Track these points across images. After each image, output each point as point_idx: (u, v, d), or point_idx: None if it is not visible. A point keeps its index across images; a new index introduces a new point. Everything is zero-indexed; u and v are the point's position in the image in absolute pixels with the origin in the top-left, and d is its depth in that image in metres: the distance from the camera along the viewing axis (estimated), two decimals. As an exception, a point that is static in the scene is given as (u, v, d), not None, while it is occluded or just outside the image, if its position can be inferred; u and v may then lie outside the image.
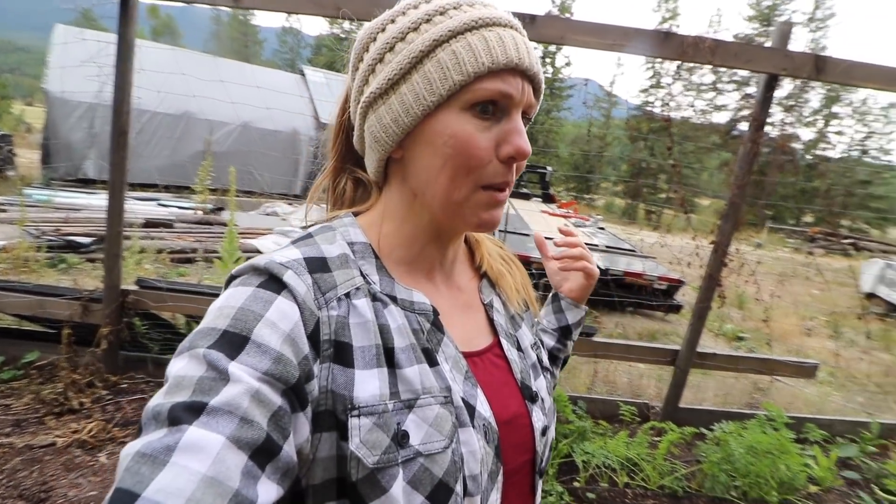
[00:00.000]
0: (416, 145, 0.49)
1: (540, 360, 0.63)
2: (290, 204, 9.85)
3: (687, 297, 5.58)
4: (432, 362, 0.48)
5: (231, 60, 13.22)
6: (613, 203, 22.72)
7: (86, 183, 8.51)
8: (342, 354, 0.43)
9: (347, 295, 0.46)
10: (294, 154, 11.82)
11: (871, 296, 7.13)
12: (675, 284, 5.34)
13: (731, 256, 2.36)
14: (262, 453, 0.35)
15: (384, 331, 0.46)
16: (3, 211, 5.87)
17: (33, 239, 4.77)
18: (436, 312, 0.52)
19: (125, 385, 2.28)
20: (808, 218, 21.96)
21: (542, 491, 1.22)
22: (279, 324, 0.40)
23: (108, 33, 2.35)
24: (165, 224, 6.64)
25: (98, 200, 6.92)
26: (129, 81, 2.06)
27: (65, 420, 2.00)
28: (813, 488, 2.17)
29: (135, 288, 2.39)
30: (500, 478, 0.50)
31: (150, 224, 6.18)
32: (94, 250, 4.98)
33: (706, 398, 3.35)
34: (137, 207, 6.82)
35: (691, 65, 22.55)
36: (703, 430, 2.29)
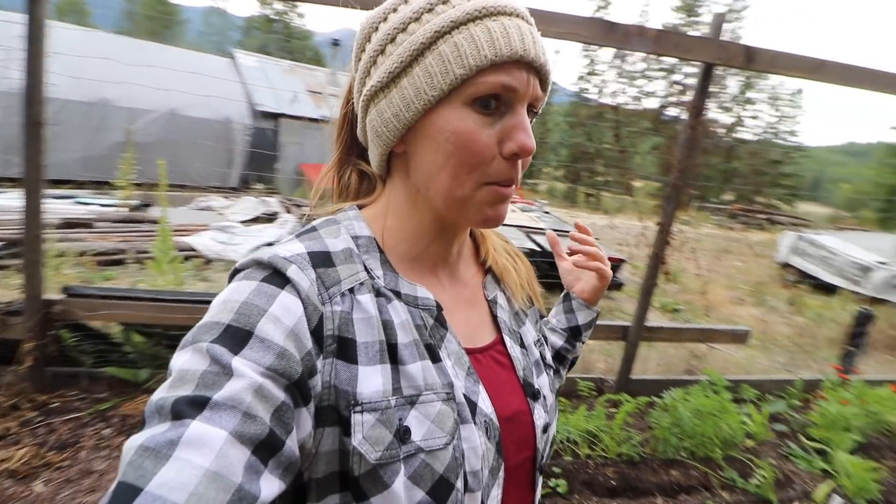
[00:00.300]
0: (417, 140, 0.48)
1: (543, 357, 0.63)
2: (226, 197, 9.32)
3: (628, 275, 5.90)
4: (435, 358, 0.48)
5: (151, 42, 12.17)
6: (555, 187, 23.48)
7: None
8: (345, 350, 0.43)
9: (351, 290, 0.46)
10: (228, 144, 11.15)
11: (786, 265, 7.90)
12: (617, 263, 5.63)
13: (673, 235, 2.51)
14: (265, 448, 0.35)
15: (387, 326, 0.46)
16: None
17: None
18: (439, 308, 0.51)
19: (56, 404, 2.07)
20: (728, 196, 23.86)
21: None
22: (282, 319, 0.40)
23: (4, 12, 2.06)
24: (86, 224, 6.07)
25: (2, 200, 6.17)
26: (41, 66, 1.82)
27: (-12, 448, 1.79)
28: (749, 442, 2.39)
29: (61, 297, 2.16)
30: (501, 474, 0.50)
31: (68, 224, 5.62)
32: (1, 256, 4.45)
33: (650, 368, 3.58)
34: (53, 206, 6.17)
35: (624, 53, 23.63)
36: (654, 399, 2.45)
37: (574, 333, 0.76)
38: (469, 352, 0.53)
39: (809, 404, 2.73)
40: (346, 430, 0.42)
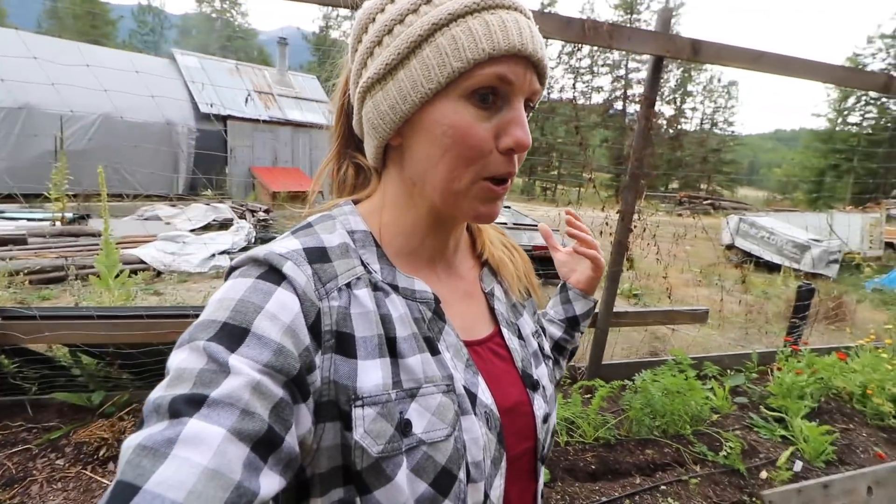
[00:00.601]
0: (414, 133, 0.48)
1: (541, 348, 0.63)
2: (172, 205, 8.83)
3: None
4: (434, 351, 0.48)
5: (79, 43, 11.35)
6: (514, 183, 23.89)
7: None
8: (344, 345, 0.43)
9: (348, 285, 0.46)
10: (172, 148, 10.58)
11: (730, 247, 8.40)
12: None
13: (635, 223, 2.60)
14: (264, 445, 0.35)
15: (386, 320, 0.46)
16: None
17: None
18: (437, 300, 0.52)
19: (-2, 438, 1.88)
20: (674, 184, 25.15)
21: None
22: (279, 315, 0.40)
23: None
24: (16, 240, 5.59)
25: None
26: None
27: (-82, 494, 1.60)
28: (715, 416, 2.51)
29: (-5, 320, 1.96)
30: (503, 464, 0.50)
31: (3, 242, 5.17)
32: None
33: (616, 353, 3.70)
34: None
35: (573, 49, 24.37)
36: (625, 382, 2.53)
37: (572, 323, 0.78)
38: (467, 344, 0.53)
39: (766, 376, 2.91)
40: (347, 424, 0.42)
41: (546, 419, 0.57)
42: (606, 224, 2.76)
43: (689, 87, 27.55)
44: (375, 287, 0.48)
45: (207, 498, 0.30)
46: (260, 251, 0.44)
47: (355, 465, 0.42)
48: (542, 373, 0.59)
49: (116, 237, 4.69)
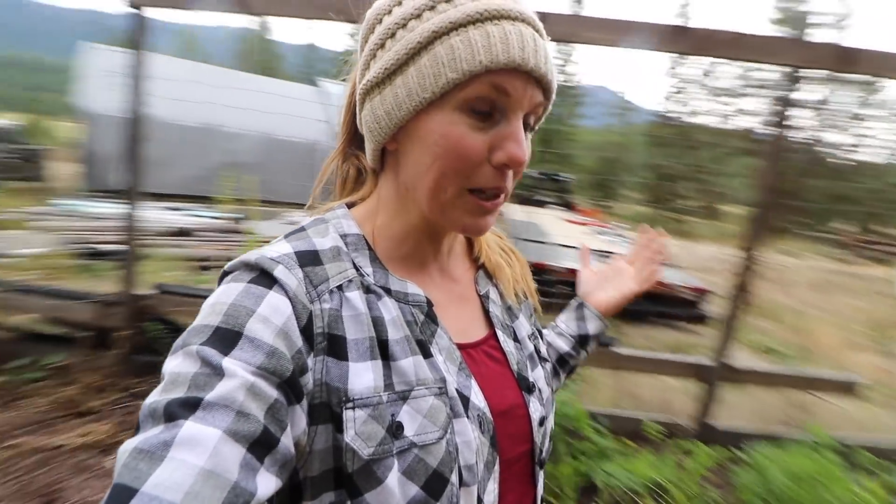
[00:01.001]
0: (409, 140, 0.48)
1: (538, 351, 0.62)
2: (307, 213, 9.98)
3: (714, 307, 5.34)
4: (426, 354, 0.48)
5: (251, 75, 13.65)
6: (637, 212, 22.25)
7: (119, 194, 8.81)
8: (336, 347, 0.43)
9: (340, 287, 0.46)
10: (313, 163, 12.02)
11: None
12: (700, 293, 5.11)
13: (761, 262, 2.23)
14: (260, 445, 0.35)
15: (378, 323, 0.46)
16: (37, 220, 6.09)
17: (65, 246, 4.94)
18: (430, 304, 0.52)
19: (140, 389, 2.29)
20: (839, 224, 20.91)
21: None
22: (271, 318, 0.40)
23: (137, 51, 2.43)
24: (192, 232, 6.80)
25: (114, 208, 7.13)
26: (143, 92, 2.12)
27: (79, 422, 2.03)
28: (863, 518, 1.99)
29: (153, 292, 2.41)
30: (496, 468, 0.50)
31: (181, 233, 6.41)
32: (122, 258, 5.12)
33: (738, 415, 3.16)
34: (167, 216, 7.05)
35: (711, 72, 22.03)
36: (736, 451, 2.14)
37: (581, 341, 0.76)
38: (461, 347, 0.52)
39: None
40: (338, 426, 0.42)
41: (542, 422, 0.56)
42: (727, 262, 2.41)
43: (862, 110, 22.57)
44: (367, 290, 0.48)
45: (204, 498, 0.30)
46: (251, 255, 0.45)
47: (346, 468, 0.42)
48: (538, 375, 0.59)
49: (262, 237, 5.48)
